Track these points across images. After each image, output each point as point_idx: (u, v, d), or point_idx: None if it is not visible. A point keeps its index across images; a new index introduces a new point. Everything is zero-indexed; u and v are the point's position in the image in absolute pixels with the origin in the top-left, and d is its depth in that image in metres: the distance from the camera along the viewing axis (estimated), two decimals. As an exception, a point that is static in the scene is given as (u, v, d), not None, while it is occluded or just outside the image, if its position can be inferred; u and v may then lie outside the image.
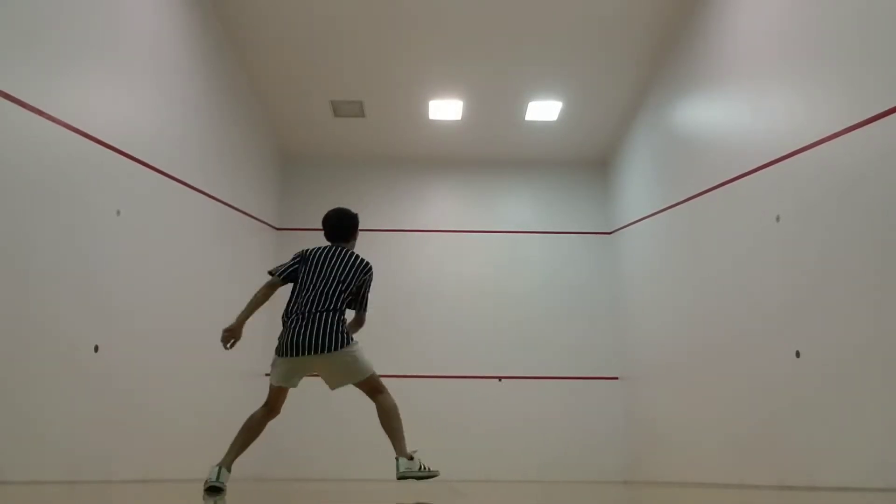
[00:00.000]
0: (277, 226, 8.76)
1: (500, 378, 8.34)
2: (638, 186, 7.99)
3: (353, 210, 4.18)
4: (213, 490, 3.29)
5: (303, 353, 3.52)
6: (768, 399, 4.73)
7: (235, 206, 7.24)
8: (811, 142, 4.25)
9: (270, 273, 3.83)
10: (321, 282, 3.67)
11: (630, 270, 8.21)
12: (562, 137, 8.68)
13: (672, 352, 6.76)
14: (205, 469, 3.43)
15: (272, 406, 3.70)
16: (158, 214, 5.52)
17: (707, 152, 5.99)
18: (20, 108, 3.78)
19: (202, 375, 6.40)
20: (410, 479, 3.62)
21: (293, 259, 3.83)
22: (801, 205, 4.40)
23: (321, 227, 4.06)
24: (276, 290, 3.80)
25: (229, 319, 3.77)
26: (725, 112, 5.67)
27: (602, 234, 8.93)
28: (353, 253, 3.91)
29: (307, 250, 3.87)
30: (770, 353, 4.68)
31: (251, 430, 3.61)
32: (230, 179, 7.20)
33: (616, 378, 8.43)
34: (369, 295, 3.91)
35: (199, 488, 3.41)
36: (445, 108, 8.12)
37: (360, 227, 4.16)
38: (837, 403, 3.94)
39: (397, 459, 3.61)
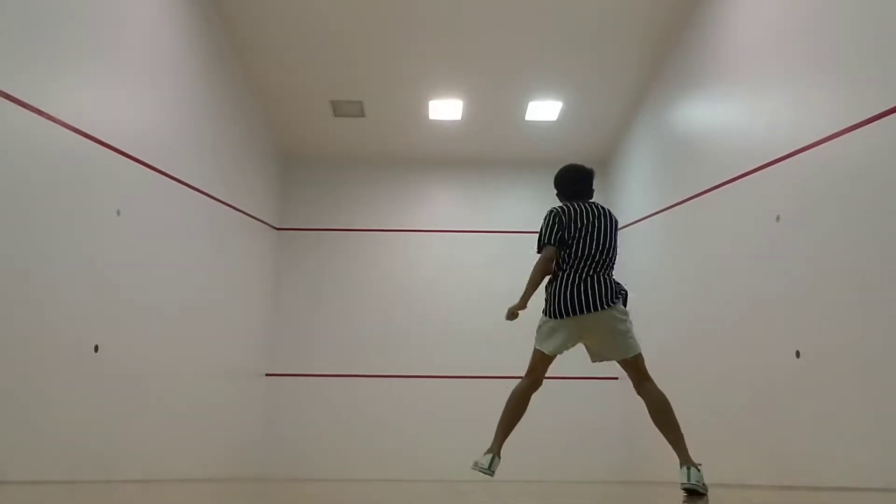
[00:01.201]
0: (277, 226, 8.76)
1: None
2: (638, 186, 7.98)
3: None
4: (485, 473, 3.40)
5: (586, 311, 3.48)
6: (768, 399, 4.73)
7: (235, 205, 7.24)
8: (811, 142, 4.25)
9: (543, 246, 3.73)
10: (594, 242, 3.62)
11: (630, 270, 8.20)
12: (562, 137, 8.67)
13: (672, 351, 6.75)
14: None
15: (537, 377, 3.71)
16: (158, 214, 5.52)
17: (707, 152, 5.99)
18: (20, 108, 3.78)
19: (202, 375, 6.40)
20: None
21: (553, 223, 3.72)
22: (801, 205, 4.40)
23: (557, 185, 3.98)
24: (553, 256, 3.67)
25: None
26: (725, 112, 5.67)
27: (602, 234, 8.92)
28: (603, 206, 3.80)
29: (562, 210, 3.72)
30: (770, 352, 4.68)
31: (518, 407, 3.65)
32: (230, 179, 7.20)
33: (616, 378, 8.42)
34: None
35: (200, 488, 3.41)
36: (445, 108, 8.11)
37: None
38: (837, 403, 3.94)
39: (688, 469, 3.35)
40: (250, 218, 7.78)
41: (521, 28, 6.81)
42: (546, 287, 3.72)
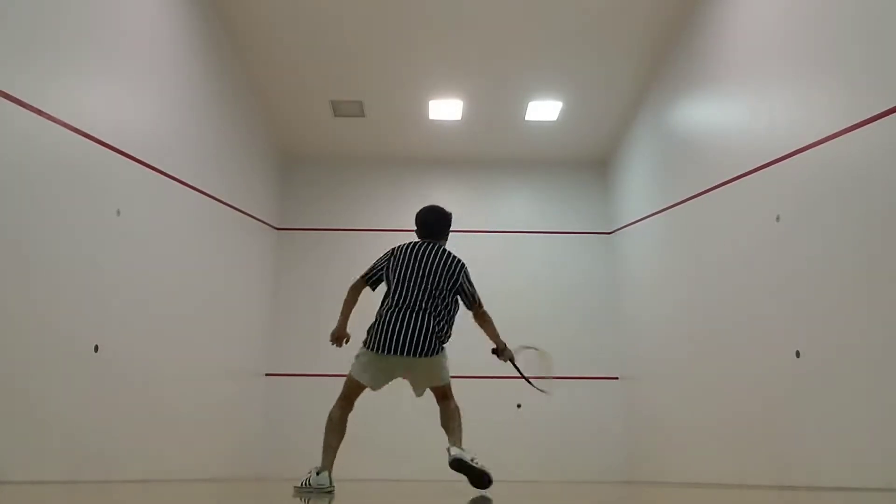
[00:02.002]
0: (277, 226, 8.76)
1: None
2: (638, 186, 7.99)
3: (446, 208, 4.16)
4: (325, 493, 3.50)
5: (399, 354, 3.50)
6: (768, 399, 4.73)
7: (235, 205, 7.25)
8: (811, 142, 4.25)
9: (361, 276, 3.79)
10: (422, 281, 3.61)
11: (630, 270, 8.21)
12: (562, 137, 8.67)
13: (672, 352, 6.76)
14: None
15: (350, 403, 3.76)
16: (158, 214, 5.52)
17: (707, 152, 5.99)
18: (20, 108, 3.78)
19: (202, 375, 6.40)
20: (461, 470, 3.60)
21: (380, 260, 3.80)
22: (801, 205, 4.40)
23: (415, 225, 3.99)
24: (360, 292, 3.79)
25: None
26: (725, 112, 5.67)
27: (602, 234, 8.93)
28: (450, 252, 3.83)
29: (398, 249, 3.78)
30: (770, 353, 4.68)
31: (339, 431, 3.76)
32: (230, 179, 7.20)
33: (616, 378, 8.43)
34: (475, 287, 3.89)
35: (200, 488, 3.41)
36: (445, 108, 8.11)
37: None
38: (837, 403, 3.94)
39: (449, 449, 3.61)
40: (250, 218, 7.78)
41: (521, 28, 6.81)
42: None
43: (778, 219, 4.63)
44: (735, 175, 5.32)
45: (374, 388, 3.69)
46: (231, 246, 7.32)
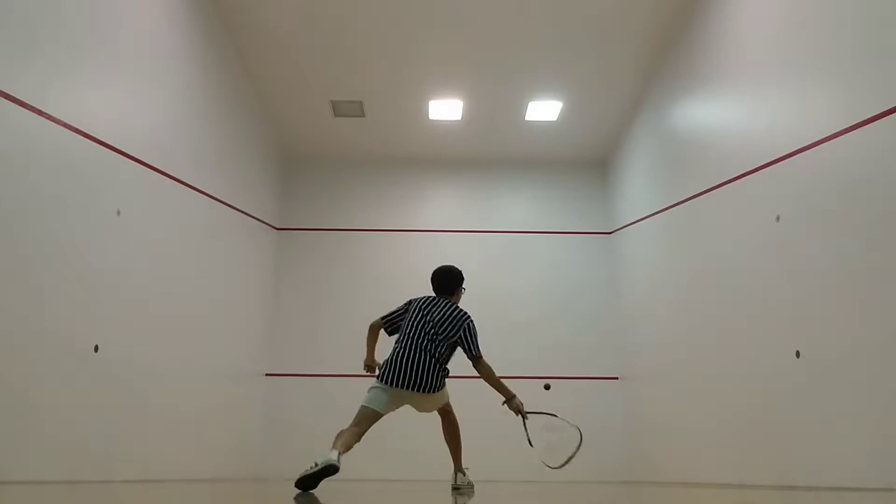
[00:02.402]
0: (277, 226, 8.76)
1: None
2: (638, 186, 7.99)
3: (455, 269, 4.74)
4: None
5: (404, 388, 4.03)
6: (768, 399, 4.73)
7: (235, 205, 7.25)
8: (811, 142, 4.25)
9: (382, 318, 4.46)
10: (428, 328, 4.19)
11: (630, 270, 8.21)
12: (562, 137, 8.68)
13: (672, 352, 6.76)
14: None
15: (362, 430, 4.17)
16: (158, 214, 5.52)
17: (707, 152, 5.99)
18: (20, 108, 3.78)
19: (202, 375, 6.40)
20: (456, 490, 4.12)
21: (399, 308, 4.41)
22: (801, 205, 4.40)
23: (431, 282, 4.58)
24: (378, 330, 4.40)
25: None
26: (725, 112, 5.67)
27: (602, 234, 8.93)
28: (454, 304, 4.40)
29: (413, 301, 4.39)
30: (770, 352, 4.68)
31: (347, 436, 4.05)
32: (230, 179, 7.20)
33: (616, 378, 8.43)
34: (476, 340, 4.39)
35: (200, 488, 3.41)
36: (445, 108, 8.12)
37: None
38: (837, 403, 3.94)
39: (456, 474, 4.34)
40: (250, 218, 7.78)
41: (521, 28, 6.81)
42: None
43: (778, 219, 4.64)
44: (735, 175, 5.32)
45: (382, 412, 4.16)
46: (231, 246, 7.32)
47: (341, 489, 3.87)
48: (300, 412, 8.15)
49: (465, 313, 4.33)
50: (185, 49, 6.03)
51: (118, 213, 4.82)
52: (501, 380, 4.51)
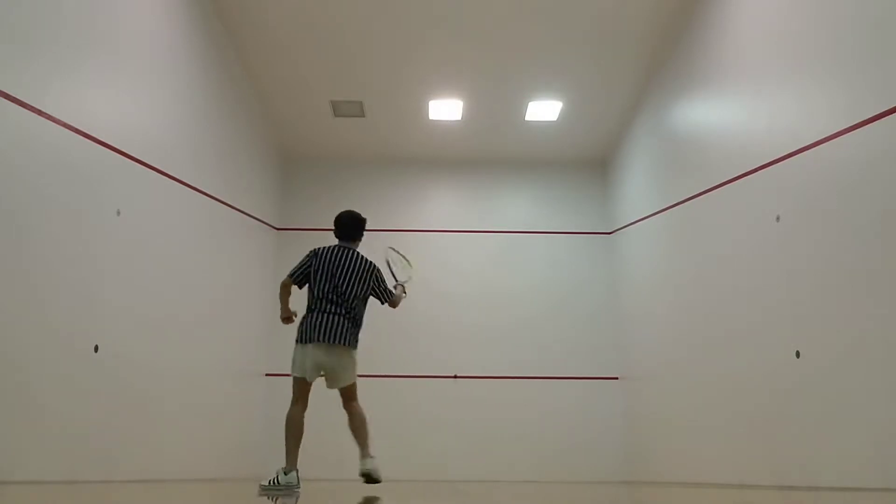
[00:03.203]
0: (277, 226, 8.76)
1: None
2: (638, 186, 7.99)
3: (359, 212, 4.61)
4: (292, 490, 3.88)
5: (318, 341, 4.07)
6: (768, 399, 4.73)
7: (235, 206, 7.25)
8: (811, 142, 4.25)
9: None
10: (330, 285, 4.17)
11: (630, 270, 8.21)
12: (562, 137, 8.68)
13: (672, 352, 6.76)
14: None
15: (302, 401, 4.23)
16: (158, 214, 5.52)
17: (707, 152, 5.99)
18: (20, 108, 3.78)
19: (202, 375, 6.40)
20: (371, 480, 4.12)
21: (303, 261, 4.31)
22: (801, 205, 4.40)
23: (333, 226, 4.49)
24: (290, 287, 4.31)
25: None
26: (725, 112, 5.67)
27: (602, 234, 8.93)
28: (359, 255, 4.35)
29: (316, 252, 4.32)
30: (770, 353, 4.68)
31: (298, 430, 4.22)
32: (230, 179, 7.20)
33: (616, 378, 8.43)
34: (386, 286, 4.45)
35: (200, 488, 3.41)
36: (445, 108, 8.12)
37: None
38: (837, 403, 3.94)
39: (365, 459, 4.15)
40: (250, 218, 7.78)
41: (521, 28, 6.81)
42: None
43: (778, 219, 4.64)
44: (735, 175, 5.32)
45: (309, 379, 4.17)
46: (231, 246, 7.32)
47: (339, 489, 3.87)
48: (300, 412, 8.14)
49: (371, 263, 4.36)
50: (186, 49, 6.03)
51: (118, 213, 4.82)
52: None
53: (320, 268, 4.22)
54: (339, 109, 8.15)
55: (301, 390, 4.20)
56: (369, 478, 4.08)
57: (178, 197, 5.87)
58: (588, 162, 9.17)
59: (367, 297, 4.35)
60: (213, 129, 6.71)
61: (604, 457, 8.09)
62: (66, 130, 4.21)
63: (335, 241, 4.45)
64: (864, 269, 3.74)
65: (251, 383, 7.98)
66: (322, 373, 4.24)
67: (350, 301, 4.18)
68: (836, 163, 4.01)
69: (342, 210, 4.54)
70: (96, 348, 4.52)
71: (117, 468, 4.76)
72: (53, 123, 4.08)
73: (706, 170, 5.93)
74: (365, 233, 4.56)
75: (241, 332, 7.54)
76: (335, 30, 6.83)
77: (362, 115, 8.24)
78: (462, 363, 8.46)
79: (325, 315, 4.10)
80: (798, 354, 4.34)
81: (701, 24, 6.10)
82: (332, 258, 4.26)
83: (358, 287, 4.23)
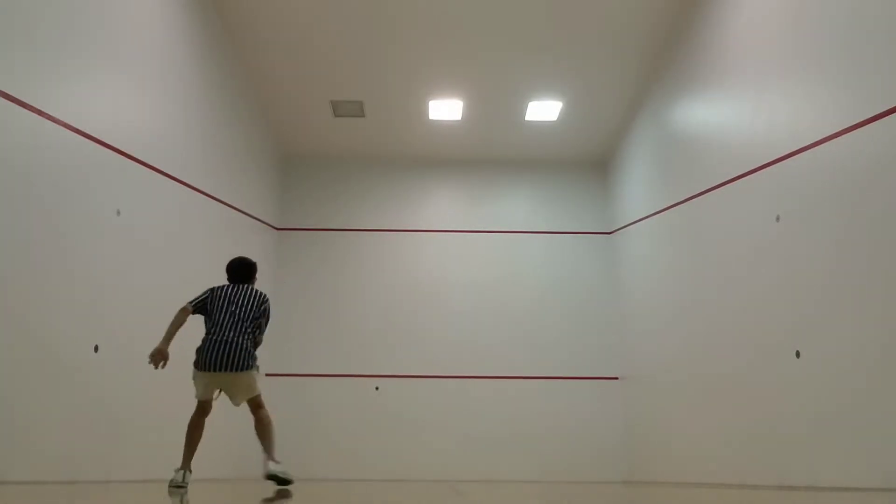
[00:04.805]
0: (277, 226, 8.76)
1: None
2: (638, 186, 7.99)
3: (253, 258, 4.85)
4: (179, 488, 3.92)
5: (219, 370, 4.21)
6: (768, 399, 4.73)
7: (235, 206, 7.24)
8: (811, 142, 4.25)
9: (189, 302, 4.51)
10: (236, 312, 4.37)
11: (630, 270, 8.21)
12: (562, 137, 8.68)
13: (672, 352, 6.76)
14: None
15: (204, 410, 4.35)
16: (158, 214, 5.52)
17: (707, 152, 5.99)
18: (20, 108, 3.78)
19: (202, 375, 6.39)
20: (279, 481, 4.23)
21: (203, 295, 4.48)
22: (801, 205, 4.40)
23: (226, 273, 4.68)
24: (187, 315, 4.41)
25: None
26: (725, 112, 5.67)
27: (602, 234, 8.93)
28: (256, 289, 4.59)
29: (214, 290, 4.50)
30: (770, 353, 4.68)
31: (198, 432, 4.28)
32: (230, 179, 7.20)
33: (616, 378, 8.43)
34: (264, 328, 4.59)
35: (200, 488, 3.42)
36: (445, 108, 8.12)
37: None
38: (837, 403, 3.94)
39: (269, 463, 4.28)
40: (250, 218, 7.78)
41: (521, 28, 6.81)
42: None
43: (778, 219, 4.64)
44: (735, 175, 5.32)
45: (207, 398, 4.33)
46: (231, 246, 7.30)
47: (339, 489, 3.87)
48: (300, 412, 8.15)
49: (265, 295, 4.60)
50: (186, 49, 6.03)
51: (118, 213, 4.82)
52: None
53: (219, 300, 4.41)
54: (339, 109, 8.15)
55: (202, 405, 4.34)
56: (279, 479, 4.24)
57: (178, 197, 5.87)
58: (588, 162, 9.17)
59: (260, 324, 4.50)
60: (213, 129, 6.71)
61: (604, 457, 8.09)
62: (66, 130, 4.21)
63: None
64: (864, 268, 3.74)
65: (251, 383, 7.97)
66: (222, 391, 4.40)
67: (248, 323, 4.36)
68: (836, 163, 4.01)
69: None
70: (96, 348, 4.52)
71: (117, 468, 4.75)
72: (53, 123, 4.08)
73: (706, 170, 5.94)
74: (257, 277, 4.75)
75: (241, 332, 7.52)
76: (335, 30, 6.83)
77: (362, 115, 8.24)
78: (462, 363, 8.46)
79: (224, 343, 4.24)
80: (798, 354, 4.34)
81: (701, 25, 6.10)
82: (231, 290, 4.48)
83: (255, 309, 4.43)
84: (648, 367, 7.55)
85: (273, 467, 4.23)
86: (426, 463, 7.95)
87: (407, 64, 7.38)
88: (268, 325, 4.57)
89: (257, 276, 4.77)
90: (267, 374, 8.33)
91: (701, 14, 6.10)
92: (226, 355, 4.21)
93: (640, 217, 7.73)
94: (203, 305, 4.44)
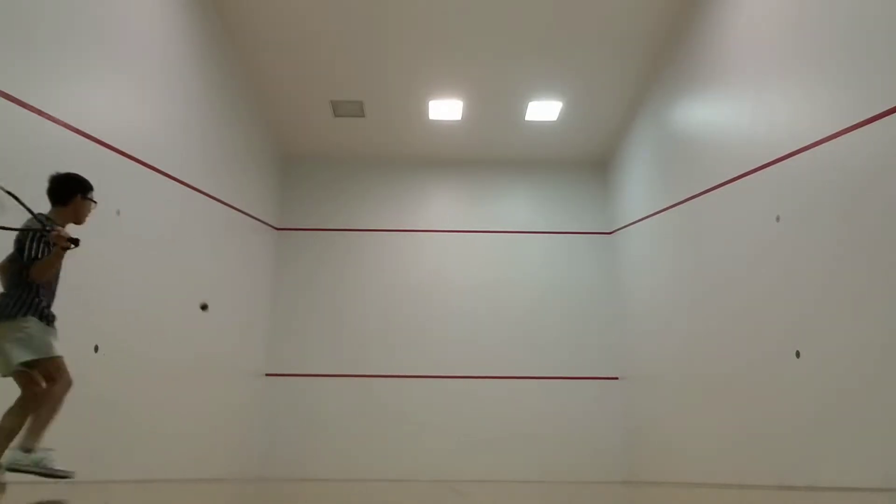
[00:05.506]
0: (277, 226, 8.76)
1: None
2: (638, 186, 7.99)
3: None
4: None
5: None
6: (768, 399, 4.73)
7: (235, 205, 7.24)
8: (811, 142, 4.25)
9: None
10: None
11: (630, 270, 8.21)
12: (562, 137, 8.68)
13: (672, 352, 6.76)
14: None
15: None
16: (158, 214, 5.52)
17: (707, 152, 5.99)
18: (20, 108, 3.78)
19: (202, 375, 6.40)
20: (24, 473, 3.40)
21: None
22: (801, 205, 4.40)
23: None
24: None
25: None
26: (726, 112, 5.67)
27: (602, 234, 8.93)
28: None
29: None
30: (770, 353, 4.68)
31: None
32: (230, 179, 7.20)
33: (616, 378, 8.43)
34: (32, 244, 3.52)
35: (200, 488, 3.41)
36: (445, 108, 8.12)
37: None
38: (837, 403, 3.94)
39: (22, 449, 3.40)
40: (250, 218, 7.78)
41: (522, 29, 6.81)
42: None
43: (778, 219, 4.64)
44: (735, 175, 5.32)
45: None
46: (231, 246, 7.32)
47: (339, 489, 3.87)
48: (300, 412, 8.15)
49: (34, 216, 3.48)
50: (186, 50, 6.03)
51: (118, 213, 4.82)
52: None
53: None
54: (339, 109, 8.15)
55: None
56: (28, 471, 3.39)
57: (178, 197, 5.87)
58: (588, 162, 9.17)
59: (17, 257, 3.52)
60: (213, 130, 6.71)
61: (604, 457, 8.09)
62: (66, 130, 4.21)
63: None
64: (864, 268, 3.74)
65: (251, 383, 7.98)
66: None
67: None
68: (836, 163, 4.01)
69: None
70: (96, 348, 4.52)
71: (117, 468, 4.75)
72: (53, 123, 4.08)
73: (706, 170, 5.93)
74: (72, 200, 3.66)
75: (241, 332, 7.53)
76: (335, 30, 6.83)
77: (362, 115, 8.23)
78: (462, 363, 8.45)
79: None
80: (798, 354, 4.34)
81: (701, 25, 6.10)
82: None
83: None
84: (648, 367, 7.55)
85: (18, 457, 3.37)
86: (426, 463, 7.94)
87: (407, 64, 7.37)
88: (34, 253, 3.48)
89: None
90: (266, 375, 8.36)
91: (701, 14, 6.09)
92: None
93: (640, 217, 7.73)
94: None
